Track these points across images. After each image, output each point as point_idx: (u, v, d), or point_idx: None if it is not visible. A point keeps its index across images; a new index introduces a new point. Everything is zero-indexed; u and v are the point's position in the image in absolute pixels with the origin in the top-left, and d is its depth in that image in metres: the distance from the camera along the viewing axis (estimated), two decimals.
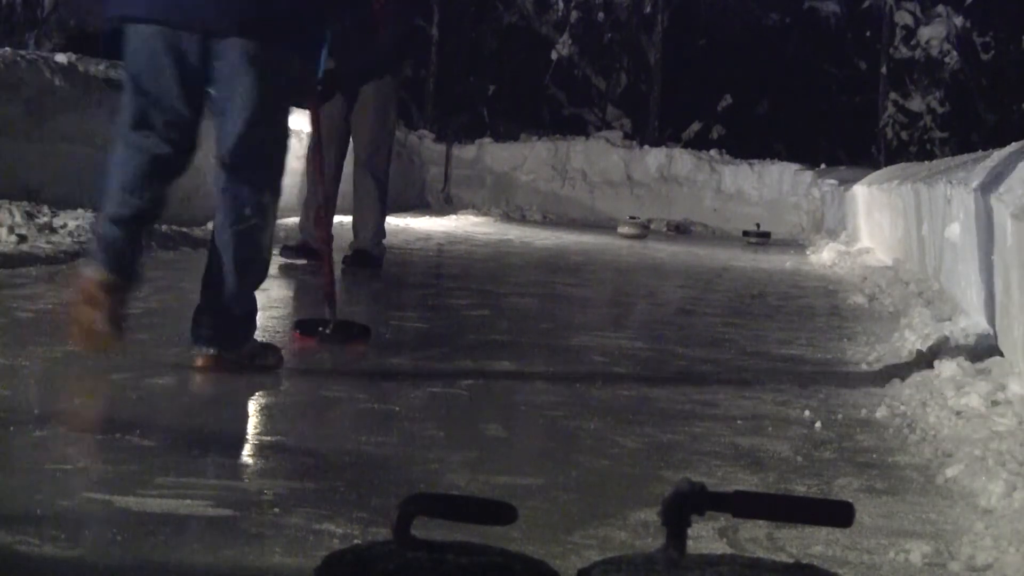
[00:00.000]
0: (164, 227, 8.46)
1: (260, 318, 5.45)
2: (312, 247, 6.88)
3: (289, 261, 7.28)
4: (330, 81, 6.72)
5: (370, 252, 7.47)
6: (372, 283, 7.26)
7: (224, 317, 3.89)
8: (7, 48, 8.89)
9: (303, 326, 4.75)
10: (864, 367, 4.82)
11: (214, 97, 3.83)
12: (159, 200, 3.85)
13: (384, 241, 7.66)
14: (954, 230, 6.02)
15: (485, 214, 16.25)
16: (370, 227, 7.48)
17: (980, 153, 7.82)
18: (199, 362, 3.90)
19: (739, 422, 3.71)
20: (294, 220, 8.02)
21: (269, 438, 3.27)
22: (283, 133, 3.98)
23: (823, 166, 17.31)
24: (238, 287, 3.87)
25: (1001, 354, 4.34)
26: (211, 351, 3.89)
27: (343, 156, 7.60)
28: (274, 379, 4.02)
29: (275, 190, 3.96)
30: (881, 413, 3.85)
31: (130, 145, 3.81)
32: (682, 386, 4.29)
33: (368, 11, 7.11)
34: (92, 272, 3.71)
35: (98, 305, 3.65)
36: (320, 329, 4.66)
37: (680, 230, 16.03)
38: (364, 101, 7.44)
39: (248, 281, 3.92)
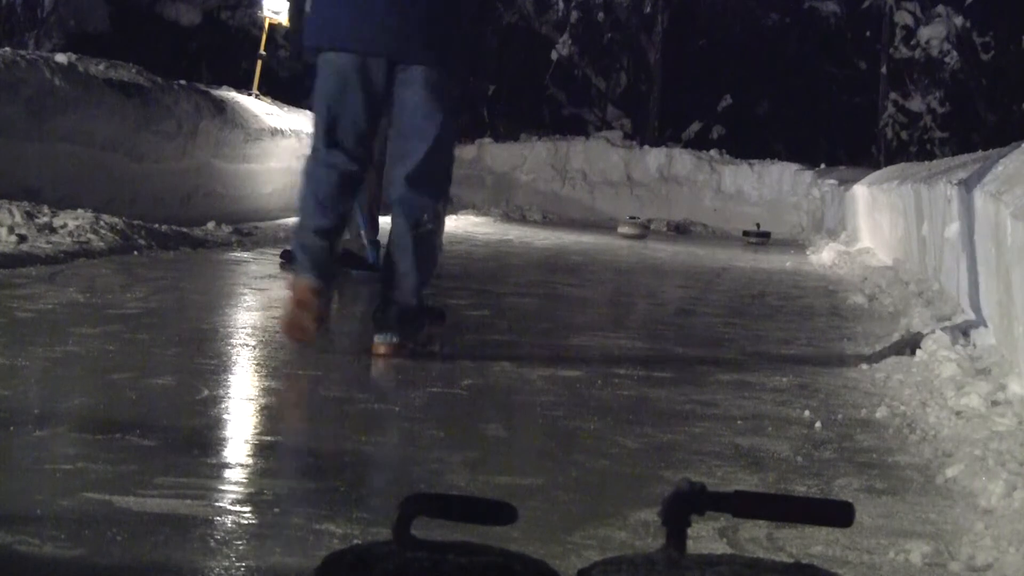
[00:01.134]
0: (164, 227, 8.47)
1: (260, 318, 5.48)
2: None
3: (287, 262, 7.27)
4: None
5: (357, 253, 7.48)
6: (372, 283, 7.25)
7: (407, 309, 4.40)
8: (7, 48, 8.90)
9: None
10: (864, 367, 4.81)
11: (396, 116, 4.38)
12: (348, 213, 4.53)
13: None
14: (954, 230, 6.02)
15: (485, 214, 16.25)
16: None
17: (980, 153, 7.81)
18: (382, 350, 4.37)
19: (739, 422, 3.71)
20: (293, 220, 8.01)
21: (269, 438, 3.27)
22: (452, 146, 4.51)
23: (823, 166, 17.31)
24: (417, 282, 4.40)
25: (1001, 354, 4.34)
26: (395, 339, 4.37)
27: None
28: (274, 379, 4.02)
29: (447, 198, 4.52)
30: (881, 413, 3.85)
31: (325, 164, 4.35)
32: (682, 386, 4.28)
33: None
34: (303, 280, 4.30)
35: (309, 307, 4.26)
36: None
37: (680, 230, 16.04)
38: None
39: (424, 277, 4.44)
